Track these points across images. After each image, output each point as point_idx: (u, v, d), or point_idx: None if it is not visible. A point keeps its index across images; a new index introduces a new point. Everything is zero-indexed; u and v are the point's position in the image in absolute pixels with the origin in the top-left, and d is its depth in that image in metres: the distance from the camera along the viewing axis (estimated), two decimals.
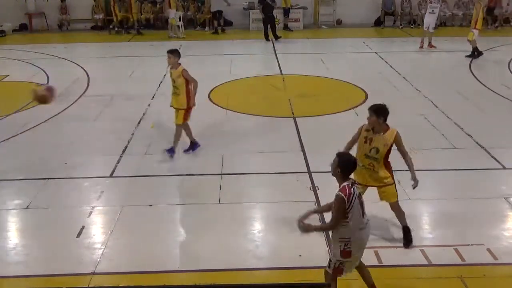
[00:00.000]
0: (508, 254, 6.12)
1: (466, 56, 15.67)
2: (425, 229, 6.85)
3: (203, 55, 16.66)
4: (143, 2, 21.88)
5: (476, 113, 11.06)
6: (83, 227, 6.64)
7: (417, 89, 12.57)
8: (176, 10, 20.44)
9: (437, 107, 11.25)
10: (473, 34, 15.29)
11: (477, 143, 9.29)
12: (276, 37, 19.04)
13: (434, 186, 7.91)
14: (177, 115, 8.63)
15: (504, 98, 11.92)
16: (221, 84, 13.29)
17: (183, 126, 8.73)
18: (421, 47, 17.28)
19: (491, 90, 12.49)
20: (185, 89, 8.48)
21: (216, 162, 8.56)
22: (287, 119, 10.64)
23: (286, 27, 21.15)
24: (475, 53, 15.62)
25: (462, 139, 9.53)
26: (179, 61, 8.54)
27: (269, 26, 18.96)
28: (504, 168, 8.35)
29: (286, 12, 21.06)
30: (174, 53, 8.49)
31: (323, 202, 7.15)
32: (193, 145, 9.02)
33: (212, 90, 12.61)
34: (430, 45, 17.22)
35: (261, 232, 6.65)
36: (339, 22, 22.23)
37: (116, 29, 21.29)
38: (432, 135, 9.74)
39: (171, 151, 8.71)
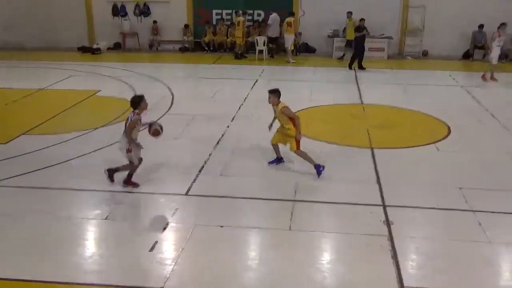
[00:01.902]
0: None
1: None
2: (503, 270, 6.46)
3: (285, 81, 16.86)
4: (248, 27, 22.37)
5: None
6: (156, 242, 6.83)
7: (505, 127, 11.99)
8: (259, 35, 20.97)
9: None
10: None
11: None
12: (362, 68, 18.92)
13: None
14: (291, 143, 9.05)
15: None
16: (300, 110, 13.32)
17: (300, 151, 9.08)
18: (485, 79, 17.05)
19: None
20: (291, 122, 8.93)
21: (289, 188, 8.57)
22: (365, 149, 10.47)
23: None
24: None
25: None
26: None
27: (353, 55, 18.97)
28: None
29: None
30: (274, 93, 8.96)
31: (396, 237, 6.98)
32: (278, 160, 9.53)
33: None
34: (492, 78, 17.03)
35: (330, 263, 6.54)
36: (425, 54, 21.76)
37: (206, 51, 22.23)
38: None
39: (318, 168, 9.00)
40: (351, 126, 12.35)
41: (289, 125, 8.94)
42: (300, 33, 22.05)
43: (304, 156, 9.08)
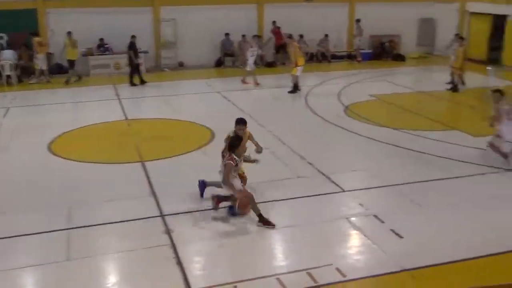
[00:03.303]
0: (354, 270, 6.56)
1: (289, 92, 17.11)
2: (278, 258, 7.10)
3: (36, 105, 15.83)
4: None
5: (315, 143, 11.85)
6: None
7: (261, 125, 13.11)
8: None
9: (280, 140, 11.85)
10: (297, 70, 16.79)
11: (318, 170, 9.93)
12: (134, 84, 18.80)
13: (284, 214, 8.23)
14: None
15: (337, 126, 12.96)
16: (62, 133, 12.65)
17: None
18: (246, 83, 18.70)
19: (327, 121, 13.50)
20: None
21: (61, 216, 8.05)
22: (135, 164, 10.41)
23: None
24: (296, 89, 17.15)
25: (305, 168, 10.12)
26: None
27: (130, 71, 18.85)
28: (343, 191, 9.02)
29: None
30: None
31: (177, 244, 7.11)
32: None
33: (52, 141, 11.97)
34: (245, 82, 18.74)
35: (116, 285, 6.33)
36: (181, 64, 22.59)
37: None
38: (279, 167, 10.20)
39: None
40: (118, 143, 12.15)
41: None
42: (51, 53, 20.83)
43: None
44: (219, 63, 22.71)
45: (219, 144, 11.64)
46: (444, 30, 23.94)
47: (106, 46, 21.25)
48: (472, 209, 8.33)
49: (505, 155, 10.22)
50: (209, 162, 10.56)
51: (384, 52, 24.46)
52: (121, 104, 15.92)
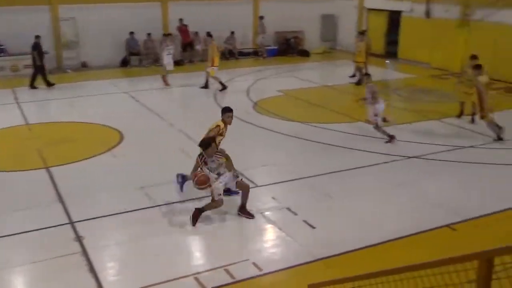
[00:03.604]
0: (270, 263, 6.68)
1: (201, 87, 17.18)
2: (195, 257, 7.09)
3: None
4: None
5: (225, 140, 11.84)
6: None
7: (171, 124, 12.97)
8: None
9: (191, 138, 11.77)
10: (214, 71, 16.76)
11: None
12: (50, 84, 17.80)
13: None
14: None
15: (246, 122, 13.10)
16: None
17: None
18: (167, 84, 18.04)
19: (236, 117, 13.54)
20: None
21: None
22: (40, 170, 9.92)
23: None
24: (206, 86, 17.19)
25: None
26: None
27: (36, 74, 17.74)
28: (256, 186, 9.14)
29: None
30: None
31: (89, 251, 6.87)
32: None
33: None
34: (167, 82, 18.10)
35: None
36: (84, 65, 21.78)
37: None
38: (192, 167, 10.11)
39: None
40: (19, 149, 11.50)
41: None
42: None
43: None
44: (124, 63, 22.13)
45: (129, 145, 11.46)
46: (345, 26, 24.91)
47: (2, 47, 20.02)
48: (378, 197, 8.77)
49: (390, 136, 11.40)
50: (118, 164, 10.35)
51: (289, 48, 25.01)
52: (21, 108, 15.05)
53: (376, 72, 18.35)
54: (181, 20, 22.46)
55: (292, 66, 22.26)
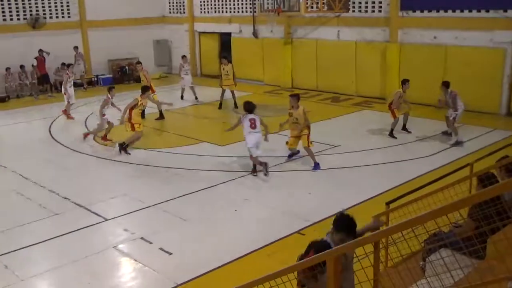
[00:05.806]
0: None
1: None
2: None
3: None
4: None
5: (67, 176, 11.22)
6: None
7: (3, 166, 11.92)
8: None
9: (27, 179, 10.94)
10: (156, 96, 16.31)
11: (76, 204, 9.47)
12: None
13: (48, 257, 7.62)
14: (304, 141, 10.87)
15: (88, 155, 12.54)
16: None
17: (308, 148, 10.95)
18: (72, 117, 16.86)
19: (76, 151, 12.93)
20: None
21: None
22: None
23: None
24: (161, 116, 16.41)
25: (61, 204, 9.54)
26: None
27: None
28: (106, 219, 8.79)
29: None
30: (295, 97, 10.93)
31: None
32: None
33: None
34: (70, 116, 17.03)
35: None
36: None
37: None
38: (32, 208, 9.39)
39: (316, 165, 10.80)
40: None
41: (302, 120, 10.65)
42: None
43: (310, 153, 10.88)
44: None
45: None
46: (178, 50, 25.15)
47: None
48: (230, 214, 8.94)
49: (260, 163, 10.67)
50: None
51: (125, 75, 24.53)
52: None
53: (213, 93, 18.82)
54: (40, 51, 20.99)
55: (130, 93, 21.79)
